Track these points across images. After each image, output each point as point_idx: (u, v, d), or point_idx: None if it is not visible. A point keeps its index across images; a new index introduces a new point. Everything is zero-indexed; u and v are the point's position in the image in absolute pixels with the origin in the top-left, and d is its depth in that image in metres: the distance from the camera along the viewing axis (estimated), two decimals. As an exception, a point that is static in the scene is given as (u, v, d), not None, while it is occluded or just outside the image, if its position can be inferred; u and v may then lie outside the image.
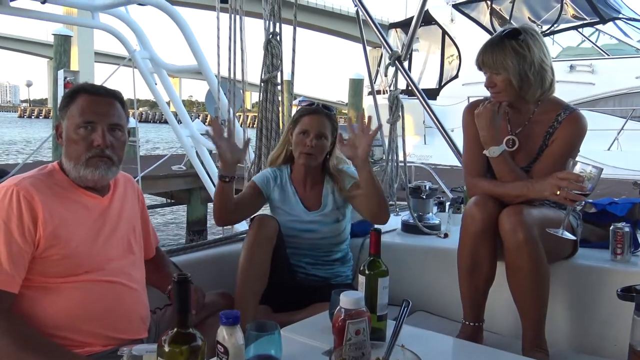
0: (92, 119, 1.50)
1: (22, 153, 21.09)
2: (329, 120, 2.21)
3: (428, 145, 11.86)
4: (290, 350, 1.32)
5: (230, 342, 1.13)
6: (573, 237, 1.84)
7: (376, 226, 2.00)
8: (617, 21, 11.70)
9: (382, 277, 1.44)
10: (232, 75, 2.67)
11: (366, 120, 2.00)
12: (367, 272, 1.45)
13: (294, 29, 2.63)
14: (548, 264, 1.84)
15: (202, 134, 5.16)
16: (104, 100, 1.53)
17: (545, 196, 1.80)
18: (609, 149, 9.37)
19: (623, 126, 9.47)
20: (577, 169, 1.68)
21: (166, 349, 0.94)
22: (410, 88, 2.87)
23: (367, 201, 2.05)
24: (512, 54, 1.87)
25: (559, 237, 1.76)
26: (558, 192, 1.71)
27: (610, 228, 2.07)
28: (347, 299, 1.27)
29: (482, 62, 1.95)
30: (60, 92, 11.02)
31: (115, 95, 1.56)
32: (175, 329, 0.94)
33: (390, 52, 2.62)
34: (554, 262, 1.95)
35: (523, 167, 1.97)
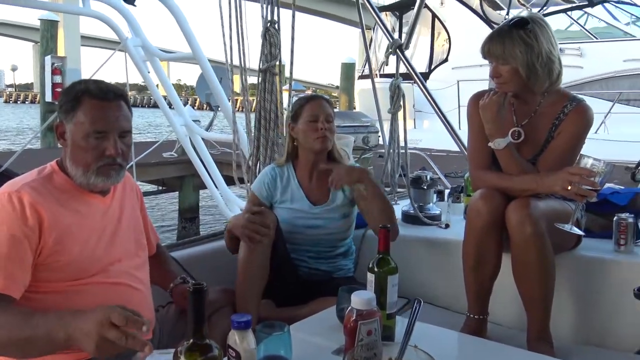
0: (103, 128, 1.45)
1: (13, 143, 20.72)
2: (329, 104, 2.21)
3: (418, 129, 11.88)
4: (298, 349, 1.29)
5: (242, 347, 1.12)
6: (581, 233, 1.83)
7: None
8: (605, 4, 11.73)
9: (392, 274, 1.42)
10: (232, 61, 2.60)
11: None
12: (376, 269, 1.42)
13: (293, 17, 2.57)
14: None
15: (193, 121, 5.09)
16: (112, 105, 1.47)
17: (556, 191, 1.78)
18: (596, 132, 9.42)
19: (610, 109, 9.52)
20: (589, 164, 1.66)
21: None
22: (407, 72, 2.83)
23: (377, 212, 2.10)
24: (520, 43, 1.84)
25: (566, 230, 1.75)
26: (569, 187, 1.69)
27: (614, 219, 2.06)
28: (358, 300, 1.25)
29: (488, 51, 1.92)
30: (48, 79, 10.86)
31: (121, 96, 1.51)
32: (191, 340, 0.91)
33: (391, 40, 2.57)
34: (558, 254, 1.95)
35: (528, 159, 1.95)
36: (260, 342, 1.22)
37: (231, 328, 1.13)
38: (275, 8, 2.47)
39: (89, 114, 1.44)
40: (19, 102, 73.56)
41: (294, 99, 2.34)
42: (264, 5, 2.46)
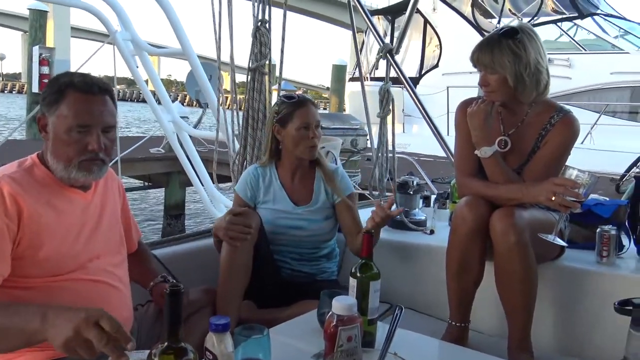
0: (87, 122, 1.42)
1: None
2: (315, 107, 2.18)
3: (406, 133, 11.92)
4: (277, 353, 1.28)
5: (219, 350, 1.10)
6: (565, 244, 1.84)
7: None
8: (595, 17, 11.86)
9: (374, 280, 1.41)
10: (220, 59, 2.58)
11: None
12: (358, 275, 1.41)
13: (284, 17, 2.56)
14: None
15: (181, 117, 5.06)
16: (97, 100, 1.44)
17: (540, 201, 1.78)
18: (582, 143, 9.52)
19: (596, 121, 9.63)
20: (574, 175, 1.67)
21: (156, 362, 0.89)
22: (394, 76, 2.82)
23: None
24: (508, 53, 1.84)
25: (549, 240, 1.75)
26: (554, 198, 1.70)
27: (597, 231, 2.07)
28: (339, 305, 1.24)
29: (477, 60, 1.92)
30: (36, 70, 10.74)
31: (106, 91, 1.48)
32: (166, 343, 0.89)
33: (381, 44, 2.56)
34: (541, 264, 1.95)
35: (514, 169, 1.95)
36: (238, 345, 1.20)
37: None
38: (267, 7, 2.45)
39: (73, 108, 1.42)
40: (5, 91, 72.56)
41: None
42: (256, 4, 2.44)
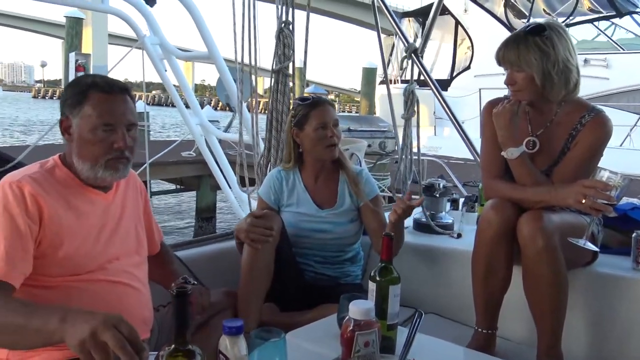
0: (111, 121, 1.45)
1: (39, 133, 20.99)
2: (333, 108, 2.16)
3: (438, 136, 11.79)
4: (295, 357, 1.25)
5: (232, 353, 1.08)
6: (596, 249, 1.76)
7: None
8: (634, 15, 11.50)
9: (394, 284, 1.38)
10: (243, 62, 2.58)
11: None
12: (377, 278, 1.38)
13: (307, 18, 2.54)
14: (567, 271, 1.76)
15: (210, 121, 5.10)
16: (118, 98, 1.47)
17: (569, 204, 1.71)
18: (621, 145, 9.23)
19: (637, 122, 9.34)
20: (605, 177, 1.59)
21: (163, 366, 0.88)
22: (423, 77, 2.78)
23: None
24: (535, 50, 1.78)
25: (580, 245, 1.68)
26: (583, 201, 1.63)
27: (633, 235, 1.98)
28: (356, 309, 1.21)
29: (503, 57, 1.86)
30: (72, 76, 10.99)
31: (126, 90, 1.50)
32: (173, 346, 0.88)
33: (406, 44, 2.52)
34: (573, 269, 1.88)
35: (543, 170, 1.88)
36: (254, 348, 1.18)
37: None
38: (290, 9, 2.45)
39: (97, 108, 1.44)
40: (47, 97, 74.86)
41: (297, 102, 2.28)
42: (279, 6, 2.44)
